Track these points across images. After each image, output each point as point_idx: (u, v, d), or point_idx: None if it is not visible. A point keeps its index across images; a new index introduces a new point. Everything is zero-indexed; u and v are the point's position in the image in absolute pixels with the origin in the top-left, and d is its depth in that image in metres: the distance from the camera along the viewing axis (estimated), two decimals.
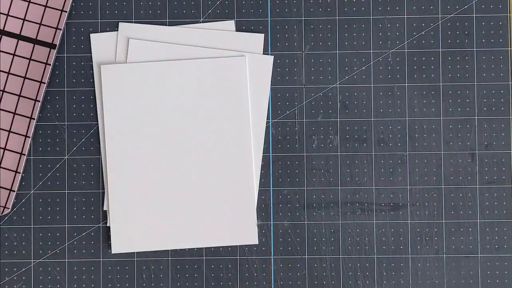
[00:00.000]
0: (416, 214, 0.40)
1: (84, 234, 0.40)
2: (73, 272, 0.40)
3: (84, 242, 0.40)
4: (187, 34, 0.39)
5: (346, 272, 0.40)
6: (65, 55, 0.40)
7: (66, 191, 0.40)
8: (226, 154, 0.39)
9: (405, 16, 0.41)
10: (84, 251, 0.40)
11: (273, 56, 0.39)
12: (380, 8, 0.41)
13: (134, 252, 0.40)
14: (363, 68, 0.41)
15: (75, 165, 0.40)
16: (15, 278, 0.39)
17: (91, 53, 0.40)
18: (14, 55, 0.39)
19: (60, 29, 0.40)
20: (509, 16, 0.41)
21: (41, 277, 0.39)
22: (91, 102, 0.40)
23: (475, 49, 0.40)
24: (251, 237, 0.39)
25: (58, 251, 0.40)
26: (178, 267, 0.40)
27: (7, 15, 0.39)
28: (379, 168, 0.40)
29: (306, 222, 0.40)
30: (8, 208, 0.39)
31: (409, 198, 0.40)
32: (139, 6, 0.41)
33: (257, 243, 0.39)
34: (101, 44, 0.39)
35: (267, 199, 0.40)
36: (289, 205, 0.40)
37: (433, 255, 0.40)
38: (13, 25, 0.40)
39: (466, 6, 0.41)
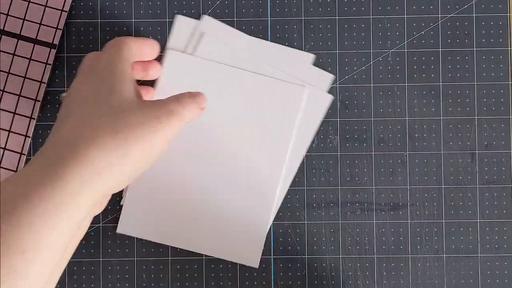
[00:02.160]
0: (416, 214, 0.40)
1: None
2: (73, 272, 0.40)
3: (84, 242, 0.40)
4: (261, 48, 0.39)
5: (346, 272, 0.40)
6: (65, 55, 0.40)
7: None
8: (254, 173, 0.39)
9: (405, 16, 0.41)
10: (84, 251, 0.40)
11: (332, 97, 0.39)
12: (380, 8, 0.41)
13: (134, 252, 0.40)
14: (363, 68, 0.41)
15: None
16: None
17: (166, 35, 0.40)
18: (14, 55, 0.39)
19: (60, 29, 0.40)
20: (509, 16, 0.41)
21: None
22: None
23: (475, 49, 0.40)
24: (252, 260, 0.39)
25: None
26: (178, 267, 0.40)
27: (7, 15, 0.39)
28: (379, 168, 0.40)
29: (306, 222, 0.40)
30: None
31: (409, 198, 0.40)
32: (139, 6, 0.41)
33: (257, 267, 0.39)
34: (181, 28, 0.39)
35: None
36: (289, 205, 0.40)
37: (433, 255, 0.40)
38: (13, 25, 0.40)
39: (466, 6, 0.41)
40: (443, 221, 0.40)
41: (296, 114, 0.39)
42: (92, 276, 0.40)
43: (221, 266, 0.40)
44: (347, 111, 0.40)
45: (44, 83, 0.39)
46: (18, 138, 0.39)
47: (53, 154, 0.27)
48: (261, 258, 0.40)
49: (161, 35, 0.40)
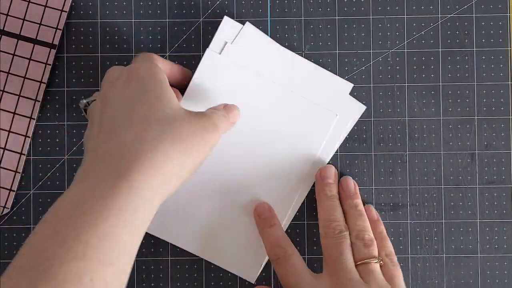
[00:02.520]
0: (416, 214, 0.40)
1: None
2: None
3: None
4: (301, 67, 0.39)
5: None
6: (65, 55, 0.40)
7: None
8: (270, 189, 0.39)
9: (405, 16, 0.41)
10: None
11: (353, 123, 0.40)
12: (380, 8, 0.41)
13: None
14: (363, 68, 0.40)
15: (75, 165, 0.40)
16: None
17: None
18: (14, 55, 0.39)
19: (60, 29, 0.40)
20: (509, 16, 0.41)
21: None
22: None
23: (475, 49, 0.40)
24: (251, 274, 0.39)
25: None
26: (178, 267, 0.40)
27: (7, 15, 0.39)
28: (379, 168, 0.40)
29: (306, 222, 0.40)
30: (8, 208, 0.39)
31: (409, 198, 0.40)
32: (139, 6, 0.41)
33: (254, 282, 0.39)
34: (224, 30, 0.39)
35: None
36: None
37: (433, 255, 0.40)
38: (13, 25, 0.39)
39: (466, 6, 0.41)
40: (443, 221, 0.40)
41: (324, 137, 0.39)
42: None
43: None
44: None
45: (44, 83, 0.39)
46: (18, 138, 0.39)
47: (117, 162, 0.27)
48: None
49: (161, 35, 0.40)
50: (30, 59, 0.39)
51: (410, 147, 0.40)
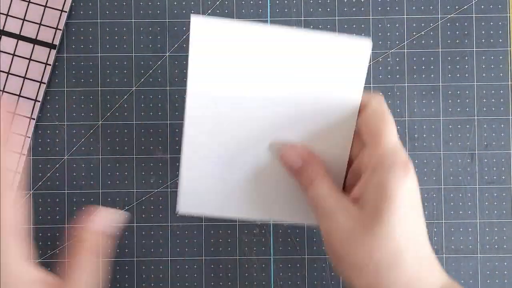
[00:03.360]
0: None
1: None
2: None
3: None
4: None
5: None
6: (65, 55, 0.40)
7: (66, 191, 0.40)
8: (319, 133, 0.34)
9: (405, 16, 0.41)
10: None
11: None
12: (380, 8, 0.41)
13: (134, 252, 0.40)
14: None
15: (75, 165, 0.40)
16: None
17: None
18: (14, 55, 0.39)
19: (60, 29, 0.40)
20: (509, 16, 0.41)
21: None
22: (91, 102, 0.40)
23: (474, 49, 0.40)
24: (311, 218, 0.35)
25: (57, 251, 0.40)
26: (178, 267, 0.40)
27: (7, 15, 0.39)
28: None
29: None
30: None
31: None
32: (138, 6, 0.41)
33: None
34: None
35: None
36: None
37: None
38: (13, 25, 0.40)
39: (466, 6, 0.41)
40: (443, 221, 0.40)
41: (363, 71, 0.33)
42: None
43: (220, 266, 0.40)
44: None
45: (44, 83, 0.39)
46: (18, 138, 0.39)
47: None
48: (261, 258, 0.40)
49: (161, 35, 0.40)
50: (30, 59, 0.39)
51: (410, 147, 0.40)
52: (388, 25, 0.41)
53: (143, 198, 0.40)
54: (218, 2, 0.40)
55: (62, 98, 0.40)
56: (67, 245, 0.40)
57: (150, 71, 0.40)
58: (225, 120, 0.35)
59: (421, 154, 0.40)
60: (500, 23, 0.41)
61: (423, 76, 0.40)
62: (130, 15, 0.41)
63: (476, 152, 0.40)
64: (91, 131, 0.40)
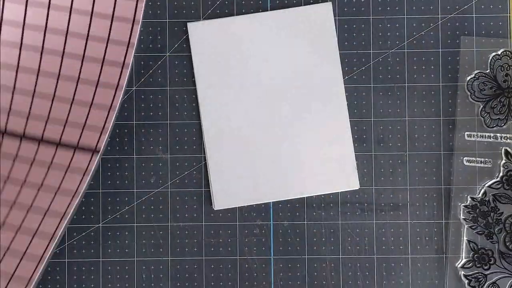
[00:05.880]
0: (416, 214, 0.40)
1: (84, 234, 0.40)
2: (73, 272, 0.40)
3: (84, 242, 0.40)
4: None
5: (346, 272, 0.40)
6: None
7: None
8: (320, 106, 0.39)
9: (405, 16, 0.41)
10: (84, 251, 0.40)
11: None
12: (380, 8, 0.41)
13: (134, 252, 0.40)
14: (363, 68, 0.40)
15: None
16: None
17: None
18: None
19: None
20: (509, 16, 0.41)
21: (40, 277, 0.39)
22: None
23: (474, 49, 0.40)
24: (351, 182, 0.39)
25: (58, 251, 0.40)
26: (178, 267, 0.40)
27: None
28: (379, 168, 0.40)
29: (306, 222, 0.40)
30: None
31: (409, 198, 0.40)
32: None
33: (358, 187, 0.39)
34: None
35: None
36: (289, 205, 0.40)
37: (433, 255, 0.40)
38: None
39: (466, 6, 0.41)
40: (443, 221, 0.40)
41: (333, 32, 0.39)
42: (92, 276, 0.40)
43: (221, 266, 0.40)
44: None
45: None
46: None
47: None
48: (261, 258, 0.40)
49: (161, 35, 0.40)
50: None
51: (410, 147, 0.40)
52: (388, 25, 0.41)
53: (143, 198, 0.40)
54: (218, 2, 0.40)
55: None
56: (67, 245, 0.40)
57: (150, 71, 0.40)
58: (235, 114, 0.37)
59: (421, 154, 0.40)
60: (500, 23, 0.40)
61: (423, 76, 0.40)
62: None
63: (476, 152, 0.40)
64: None
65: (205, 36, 0.37)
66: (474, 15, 0.41)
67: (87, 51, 0.35)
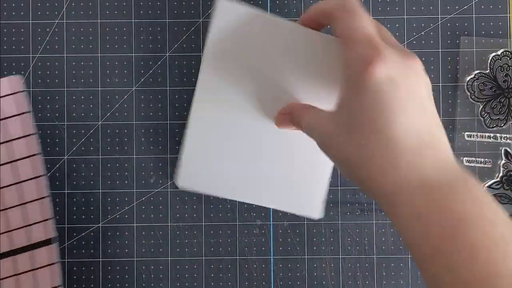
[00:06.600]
0: None
1: (84, 234, 0.40)
2: (73, 272, 0.40)
3: (84, 242, 0.40)
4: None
5: (346, 272, 0.40)
6: (65, 55, 0.40)
7: (66, 191, 0.40)
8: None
9: (405, 16, 0.41)
10: (84, 251, 0.40)
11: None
12: (380, 8, 0.41)
13: (134, 252, 0.40)
14: None
15: (75, 165, 0.40)
16: None
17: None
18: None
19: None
20: (509, 16, 0.41)
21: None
22: (91, 102, 0.40)
23: (474, 49, 0.40)
24: (314, 210, 0.38)
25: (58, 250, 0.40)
26: (178, 267, 0.40)
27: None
28: None
29: (306, 222, 0.40)
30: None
31: None
32: (139, 6, 0.41)
33: (317, 217, 0.38)
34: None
35: None
36: None
37: None
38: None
39: (466, 6, 0.41)
40: None
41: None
42: (92, 276, 0.40)
43: (220, 266, 0.40)
44: None
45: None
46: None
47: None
48: (260, 258, 0.40)
49: (161, 35, 0.40)
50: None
51: None
52: (388, 25, 0.41)
53: (143, 198, 0.40)
54: None
55: (62, 98, 0.40)
56: (67, 245, 0.40)
57: (150, 71, 0.40)
58: (230, 103, 0.36)
59: None
60: (500, 23, 0.41)
61: None
62: (130, 15, 0.41)
63: (476, 152, 0.40)
64: (91, 131, 0.40)
65: (230, 19, 0.35)
66: (474, 15, 0.41)
67: None
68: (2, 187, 0.39)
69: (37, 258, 0.39)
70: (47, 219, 0.39)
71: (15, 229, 0.39)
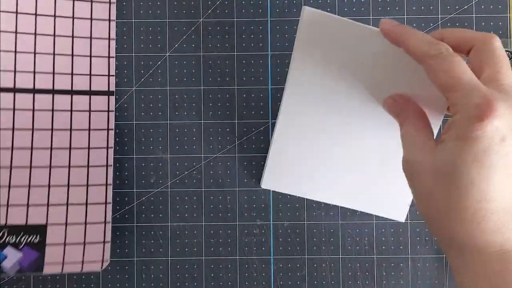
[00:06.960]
0: (416, 214, 0.40)
1: None
2: (73, 272, 0.40)
3: None
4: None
5: (346, 272, 0.40)
6: None
7: None
8: (396, 127, 0.35)
9: (405, 16, 0.41)
10: None
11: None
12: (380, 8, 0.41)
13: (134, 252, 0.40)
14: None
15: None
16: (14, 277, 0.40)
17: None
18: (71, 110, 0.39)
19: (113, 76, 0.40)
20: (509, 16, 0.41)
21: (41, 277, 0.40)
22: None
23: None
24: (399, 214, 0.39)
25: None
26: (178, 267, 0.40)
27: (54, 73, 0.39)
28: None
29: (306, 222, 0.40)
30: (108, 261, 0.39)
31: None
32: (139, 6, 0.41)
33: (403, 221, 0.39)
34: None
35: (267, 199, 0.40)
36: (289, 205, 0.40)
37: (433, 255, 0.40)
38: (64, 82, 0.39)
39: (466, 6, 0.41)
40: None
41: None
42: (92, 276, 0.40)
43: (220, 266, 0.40)
44: None
45: (112, 129, 0.40)
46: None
47: None
48: (260, 258, 0.40)
49: (161, 35, 0.40)
50: (89, 111, 0.39)
51: None
52: None
53: (143, 198, 0.40)
54: (218, 2, 0.41)
55: None
56: None
57: (150, 71, 0.41)
58: (318, 110, 0.36)
59: None
60: (500, 23, 0.40)
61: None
62: (130, 15, 0.41)
63: None
64: None
65: (317, 29, 0.35)
66: (474, 15, 0.41)
67: None
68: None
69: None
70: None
71: None
